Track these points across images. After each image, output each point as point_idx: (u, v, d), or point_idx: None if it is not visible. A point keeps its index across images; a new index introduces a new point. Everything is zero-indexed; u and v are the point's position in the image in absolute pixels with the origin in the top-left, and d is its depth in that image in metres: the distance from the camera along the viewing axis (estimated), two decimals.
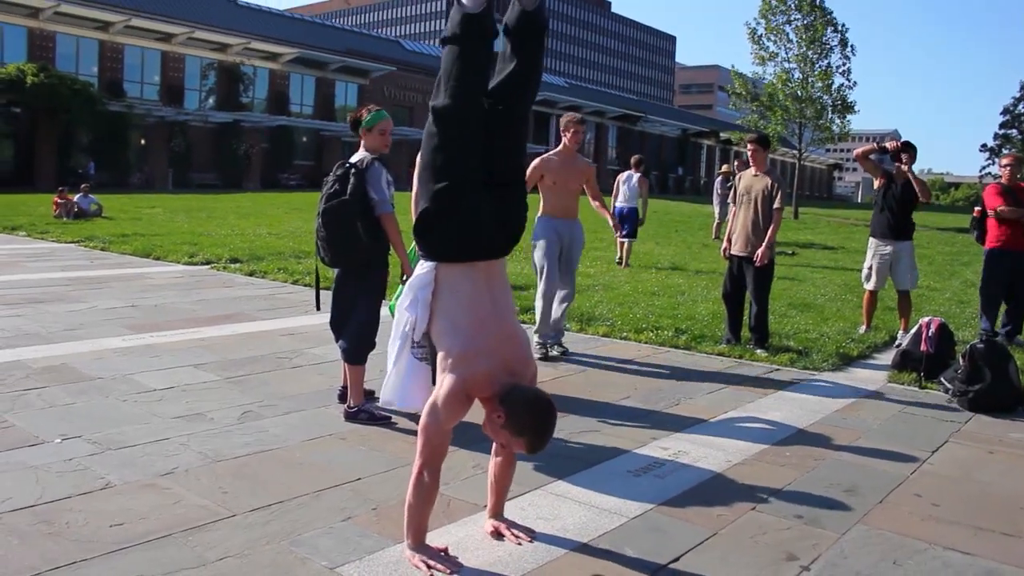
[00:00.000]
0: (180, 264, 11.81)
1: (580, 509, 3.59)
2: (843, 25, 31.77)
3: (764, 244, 6.98)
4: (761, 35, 31.91)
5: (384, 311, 4.85)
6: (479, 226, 2.97)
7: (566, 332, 7.16)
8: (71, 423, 4.45)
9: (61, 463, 3.86)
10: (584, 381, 5.97)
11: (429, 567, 2.92)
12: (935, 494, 3.95)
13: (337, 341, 4.90)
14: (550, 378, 5.89)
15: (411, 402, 3.20)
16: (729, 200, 7.66)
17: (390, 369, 3.19)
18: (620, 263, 13.23)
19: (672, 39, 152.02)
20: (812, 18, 30.96)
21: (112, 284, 9.64)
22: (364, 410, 4.74)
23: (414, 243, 3.17)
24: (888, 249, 7.92)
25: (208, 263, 11.83)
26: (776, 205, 7.07)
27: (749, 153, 7.29)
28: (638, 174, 13.88)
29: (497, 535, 3.24)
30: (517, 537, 3.21)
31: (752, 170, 7.28)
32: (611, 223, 7.50)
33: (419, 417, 2.96)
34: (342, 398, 4.97)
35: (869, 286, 8.09)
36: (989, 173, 63.96)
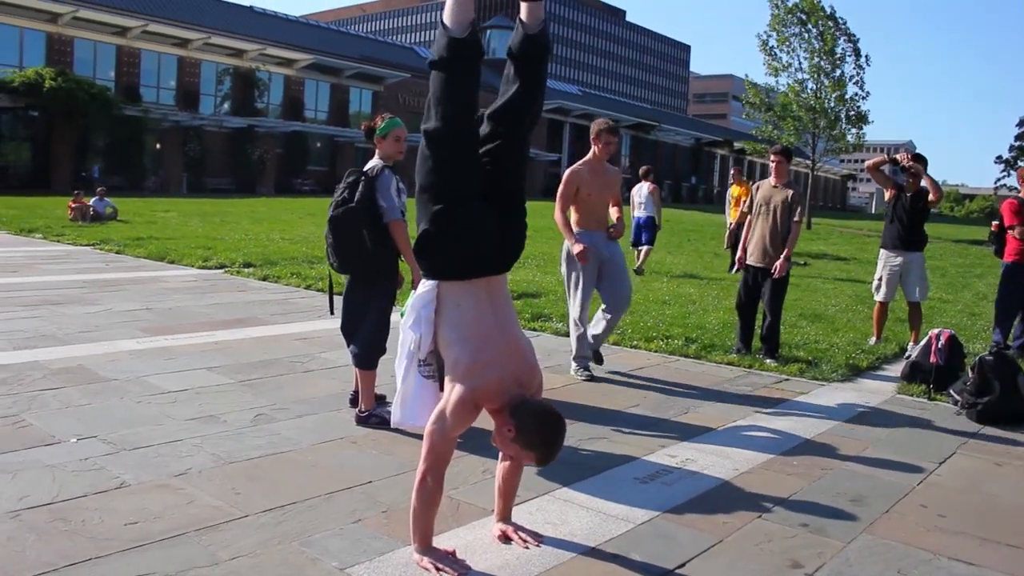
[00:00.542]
0: (194, 268, 11.91)
1: (588, 515, 3.63)
2: (855, 36, 31.78)
3: (783, 256, 7.01)
4: (773, 46, 31.93)
5: (395, 316, 4.90)
6: (479, 244, 3.02)
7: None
8: (86, 423, 4.52)
9: (77, 462, 3.93)
10: (593, 389, 6.00)
11: (438, 569, 2.96)
12: (942, 505, 3.97)
13: (348, 346, 4.96)
14: (560, 385, 5.93)
15: (420, 420, 3.21)
16: (743, 209, 7.67)
17: (399, 388, 3.24)
18: (637, 271, 13.29)
19: (686, 48, 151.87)
20: (822, 28, 30.94)
21: (127, 287, 9.74)
22: (375, 414, 4.79)
23: None
24: (898, 260, 7.94)
25: (222, 267, 11.93)
26: (796, 218, 7.10)
27: (773, 164, 7.28)
28: (647, 183, 14.05)
29: (505, 539, 3.28)
30: (525, 541, 3.25)
31: (771, 180, 7.28)
32: (610, 228, 6.46)
33: None
34: (353, 402, 5.03)
35: (879, 297, 8.10)
36: (1004, 185, 63.67)
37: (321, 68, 48.31)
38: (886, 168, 7.99)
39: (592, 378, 6.25)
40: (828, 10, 31.10)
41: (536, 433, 2.90)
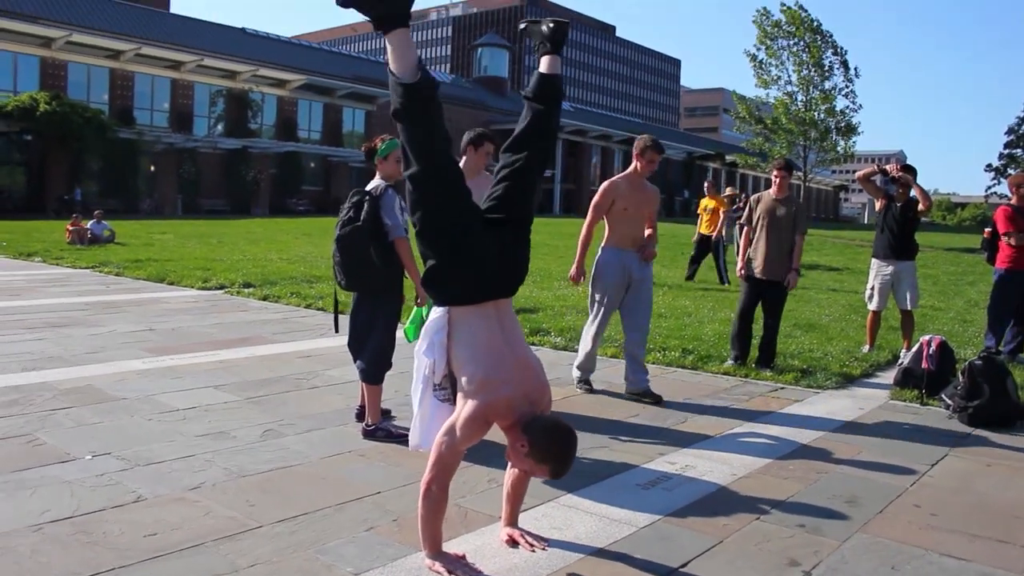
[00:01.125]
0: (194, 289, 12.03)
1: (591, 519, 3.75)
2: (842, 48, 32.13)
3: (793, 270, 7.18)
4: (762, 60, 32.27)
5: (399, 334, 5.03)
6: (485, 272, 3.14)
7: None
8: (100, 441, 4.63)
9: (93, 478, 4.03)
10: (594, 400, 6.13)
11: (450, 572, 3.07)
12: (933, 504, 4.10)
13: (355, 361, 5.07)
14: (561, 397, 6.04)
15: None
16: (741, 221, 7.79)
17: (415, 413, 3.34)
18: None
19: (677, 62, 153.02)
20: (808, 41, 31.29)
21: (129, 308, 9.85)
22: (382, 428, 4.90)
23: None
24: (889, 269, 8.09)
25: (222, 288, 12.05)
26: (799, 232, 7.26)
27: (776, 178, 7.39)
28: None
29: (512, 543, 3.39)
30: (532, 545, 3.36)
31: (773, 193, 7.41)
32: (643, 248, 6.30)
33: None
34: (360, 417, 5.14)
35: (872, 306, 8.25)
36: (995, 193, 64.10)
37: (314, 88, 48.60)
38: (876, 179, 8.15)
39: (592, 390, 6.37)
40: (814, 23, 31.47)
41: (549, 447, 3.01)
